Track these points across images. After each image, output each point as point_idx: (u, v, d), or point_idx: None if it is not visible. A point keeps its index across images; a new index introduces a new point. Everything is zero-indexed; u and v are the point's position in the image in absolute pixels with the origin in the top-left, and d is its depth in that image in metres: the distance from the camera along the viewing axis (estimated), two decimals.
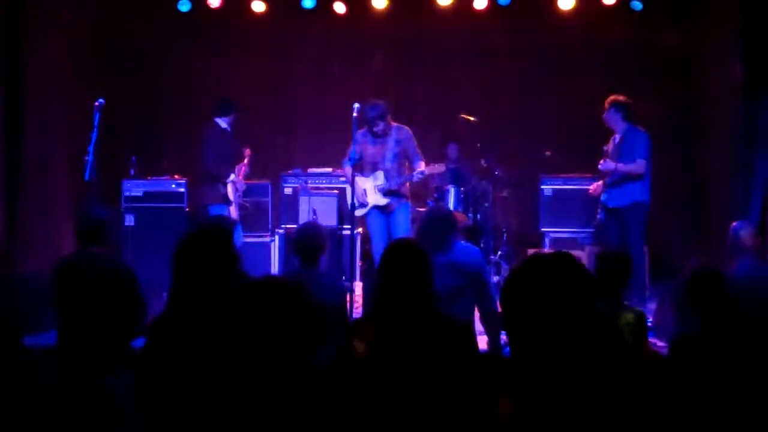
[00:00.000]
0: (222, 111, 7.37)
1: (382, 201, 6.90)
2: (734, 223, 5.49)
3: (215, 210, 7.06)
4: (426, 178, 7.33)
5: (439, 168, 6.94)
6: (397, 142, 6.89)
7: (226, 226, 5.11)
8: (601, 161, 6.89)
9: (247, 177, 7.68)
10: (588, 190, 7.34)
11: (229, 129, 7.36)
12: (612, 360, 2.18)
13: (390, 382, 2.81)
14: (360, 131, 6.85)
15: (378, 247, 6.97)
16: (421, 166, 6.83)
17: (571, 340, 2.03)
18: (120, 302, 4.27)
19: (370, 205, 6.93)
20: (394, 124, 6.97)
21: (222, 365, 2.98)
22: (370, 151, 6.93)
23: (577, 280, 2.07)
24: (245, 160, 7.51)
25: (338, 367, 2.95)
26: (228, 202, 7.20)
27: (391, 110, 6.97)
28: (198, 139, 7.41)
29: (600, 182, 7.16)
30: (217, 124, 7.34)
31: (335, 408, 2.77)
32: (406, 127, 7.00)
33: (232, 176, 7.26)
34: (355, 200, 6.79)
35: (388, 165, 6.89)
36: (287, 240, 8.31)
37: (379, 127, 6.82)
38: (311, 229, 4.84)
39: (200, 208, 7.20)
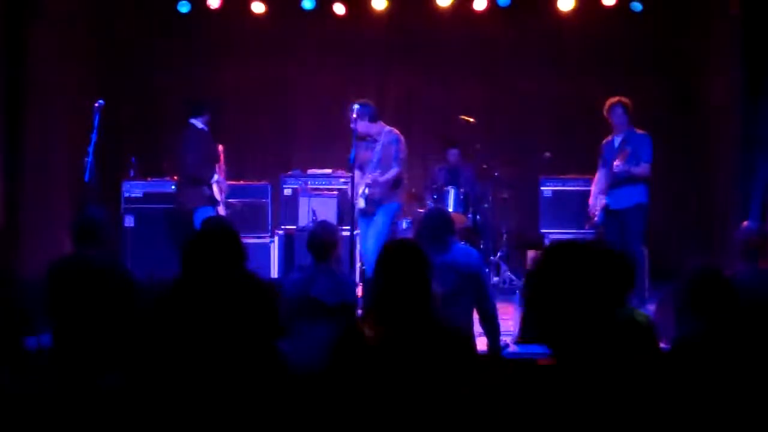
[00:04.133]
0: (197, 112, 7.25)
1: (361, 204, 6.79)
2: (744, 224, 5.46)
3: (202, 212, 6.98)
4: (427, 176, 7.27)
5: (374, 176, 6.74)
6: (382, 146, 6.76)
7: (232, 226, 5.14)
8: (616, 162, 6.84)
9: (226, 174, 7.62)
10: (588, 197, 7.32)
11: (206, 129, 7.28)
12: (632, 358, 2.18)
13: (387, 383, 2.81)
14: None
15: (361, 249, 6.97)
16: (383, 175, 6.69)
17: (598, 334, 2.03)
18: (115, 303, 4.26)
19: (356, 208, 6.85)
20: (386, 127, 6.82)
21: (222, 359, 2.99)
22: (362, 156, 6.85)
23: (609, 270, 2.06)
24: (221, 158, 7.45)
25: (341, 362, 2.95)
26: (214, 203, 7.16)
27: (375, 113, 6.77)
28: (176, 144, 7.35)
29: (592, 192, 7.16)
30: (194, 126, 7.22)
31: (334, 405, 2.78)
32: (395, 132, 6.82)
33: (216, 176, 7.22)
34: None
35: (371, 170, 6.75)
36: (287, 241, 8.31)
37: (355, 126, 6.67)
38: (324, 227, 4.97)
39: (187, 211, 7.12)
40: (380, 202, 6.77)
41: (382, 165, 6.76)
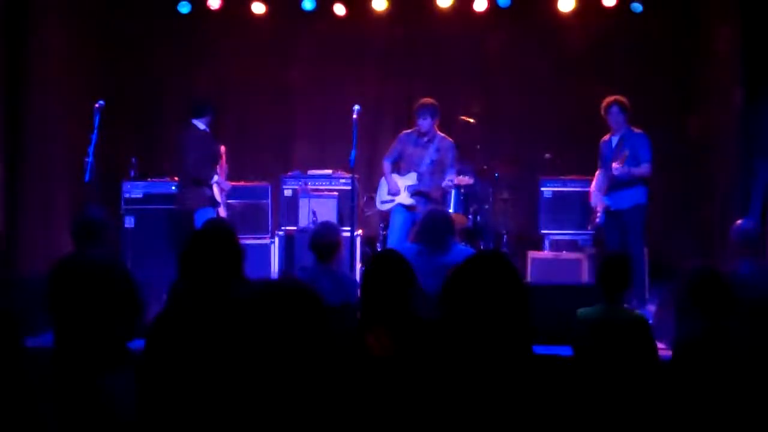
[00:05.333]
0: (198, 112, 7.25)
1: (408, 201, 7.24)
2: (739, 221, 5.46)
3: (202, 213, 6.99)
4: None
5: (467, 180, 7.36)
6: (437, 149, 7.25)
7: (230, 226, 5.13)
8: (615, 165, 6.83)
9: (227, 175, 7.63)
10: (588, 194, 7.33)
11: (207, 130, 7.28)
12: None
13: (384, 388, 2.82)
14: (405, 132, 7.39)
15: (393, 242, 7.23)
16: (452, 176, 7.20)
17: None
18: (116, 303, 4.25)
19: (396, 202, 7.28)
20: (440, 133, 7.32)
21: (223, 365, 2.99)
22: (410, 151, 7.31)
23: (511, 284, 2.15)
24: (222, 159, 7.46)
25: (345, 367, 2.96)
26: (215, 204, 7.16)
27: (439, 116, 7.30)
28: (177, 144, 7.35)
29: (592, 189, 7.17)
30: (195, 126, 7.22)
31: (336, 408, 2.79)
32: (450, 139, 7.36)
33: (216, 177, 7.22)
34: (384, 195, 7.38)
35: (423, 169, 7.24)
36: (287, 241, 8.31)
37: (425, 121, 7.15)
38: (327, 228, 5.02)
39: (187, 212, 7.12)
40: (427, 201, 7.16)
41: (435, 167, 7.26)
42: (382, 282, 3.14)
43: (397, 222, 7.30)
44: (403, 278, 3.18)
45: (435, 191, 7.26)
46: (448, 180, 7.14)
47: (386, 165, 7.41)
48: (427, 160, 7.25)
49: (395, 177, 7.34)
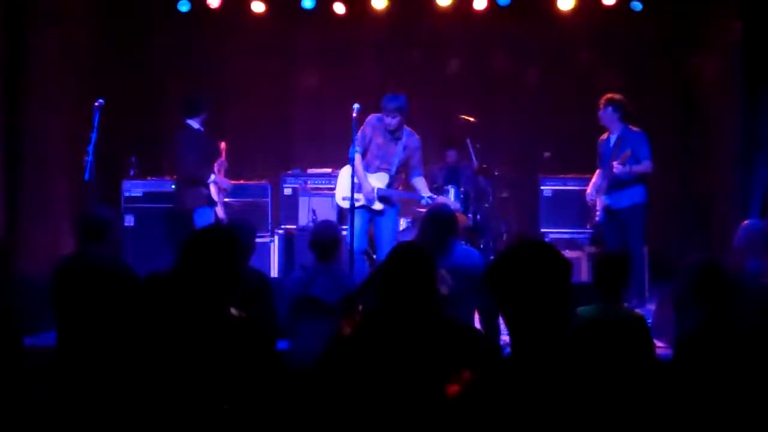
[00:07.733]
0: (191, 112, 7.20)
1: (378, 206, 6.70)
2: (746, 221, 5.45)
3: (201, 213, 6.99)
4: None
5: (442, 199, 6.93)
6: (405, 148, 6.70)
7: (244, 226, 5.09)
8: (615, 164, 6.81)
9: (228, 173, 7.60)
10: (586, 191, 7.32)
11: (201, 129, 7.25)
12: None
13: (389, 383, 2.81)
14: (375, 116, 6.62)
15: (357, 244, 6.57)
16: (419, 184, 6.79)
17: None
18: (120, 302, 4.25)
19: (361, 203, 6.63)
20: (407, 127, 6.73)
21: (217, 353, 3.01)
22: (380, 141, 6.65)
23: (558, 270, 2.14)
24: (222, 156, 7.44)
25: (329, 360, 2.96)
26: (213, 204, 7.15)
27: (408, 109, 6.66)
28: (172, 144, 7.33)
29: (589, 188, 7.16)
30: (190, 126, 7.19)
31: (322, 403, 2.80)
32: (417, 135, 6.77)
33: (213, 176, 7.20)
34: (346, 191, 6.58)
35: (393, 170, 6.72)
36: (286, 240, 8.31)
37: (395, 119, 6.53)
38: (327, 227, 5.00)
39: (186, 212, 7.12)
40: (391, 203, 6.77)
41: (401, 166, 6.76)
42: (409, 279, 3.00)
43: (358, 224, 6.63)
44: (430, 277, 3.05)
45: (399, 200, 6.84)
46: (428, 198, 6.65)
47: (358, 157, 6.56)
48: (395, 161, 6.68)
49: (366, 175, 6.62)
